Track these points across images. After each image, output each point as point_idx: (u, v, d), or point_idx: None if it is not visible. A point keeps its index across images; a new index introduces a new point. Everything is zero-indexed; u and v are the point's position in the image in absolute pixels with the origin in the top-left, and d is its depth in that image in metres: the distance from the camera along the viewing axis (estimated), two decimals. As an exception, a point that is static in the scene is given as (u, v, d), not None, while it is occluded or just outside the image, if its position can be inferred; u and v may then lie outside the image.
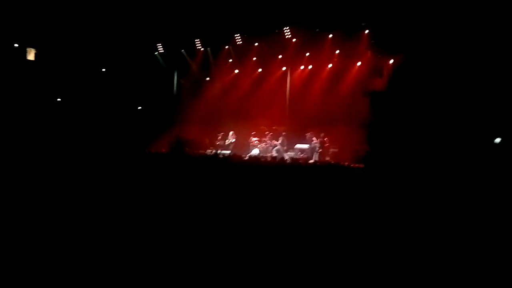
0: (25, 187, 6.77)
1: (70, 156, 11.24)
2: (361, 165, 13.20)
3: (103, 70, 20.38)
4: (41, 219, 5.22)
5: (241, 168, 9.24)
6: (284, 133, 18.27)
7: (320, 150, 16.94)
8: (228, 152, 17.51)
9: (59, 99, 19.15)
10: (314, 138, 17.30)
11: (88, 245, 4.31)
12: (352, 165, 12.82)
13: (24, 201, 5.94)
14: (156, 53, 20.90)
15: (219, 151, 17.36)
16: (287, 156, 16.88)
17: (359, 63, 17.94)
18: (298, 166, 10.44)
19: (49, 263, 3.86)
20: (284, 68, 20.20)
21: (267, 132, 18.61)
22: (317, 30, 17.73)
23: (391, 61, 16.29)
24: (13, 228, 4.80)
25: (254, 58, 20.33)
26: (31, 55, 18.47)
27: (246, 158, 13.72)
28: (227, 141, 18.93)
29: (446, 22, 13.63)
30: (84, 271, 3.70)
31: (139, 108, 20.91)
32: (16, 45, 17.95)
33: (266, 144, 18.24)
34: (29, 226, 4.93)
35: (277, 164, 10.66)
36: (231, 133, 18.98)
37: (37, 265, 3.81)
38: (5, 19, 16.63)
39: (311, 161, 14.37)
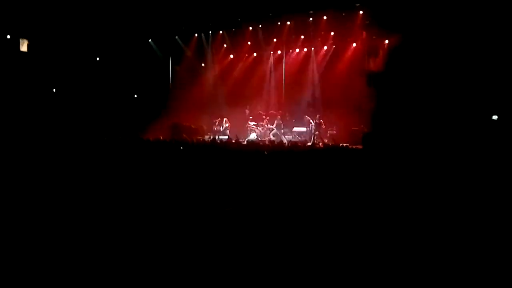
0: (22, 177, 6.78)
1: (67, 146, 11.19)
2: (360, 146, 13.31)
3: (97, 59, 20.15)
4: (39, 208, 5.21)
5: (240, 153, 9.21)
6: (280, 117, 18.24)
7: (317, 132, 16.94)
8: (226, 137, 17.47)
9: (54, 90, 18.97)
10: (311, 121, 17.32)
11: (86, 236, 4.28)
12: (350, 147, 12.81)
13: (21, 191, 5.92)
14: (150, 40, 20.71)
15: (217, 137, 17.42)
16: (285, 139, 16.87)
17: (354, 44, 17.84)
18: (297, 149, 10.39)
19: (43, 252, 3.82)
20: (279, 52, 20.07)
21: (264, 116, 18.55)
22: (311, 12, 17.58)
23: (387, 41, 16.21)
24: (9, 216, 4.80)
25: (249, 43, 20.19)
26: (24, 47, 18.22)
27: (244, 142, 13.67)
28: (221, 127, 18.91)
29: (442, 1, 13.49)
30: (80, 265, 3.65)
31: (135, 96, 20.73)
32: (8, 36, 17.69)
33: (263, 128, 18.21)
34: (25, 214, 4.92)
35: (275, 148, 10.60)
36: (225, 119, 18.97)
37: (30, 257, 3.76)
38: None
39: (309, 143, 14.33)
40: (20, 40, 18.09)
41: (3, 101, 16.37)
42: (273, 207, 5.33)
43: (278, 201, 5.62)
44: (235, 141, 13.28)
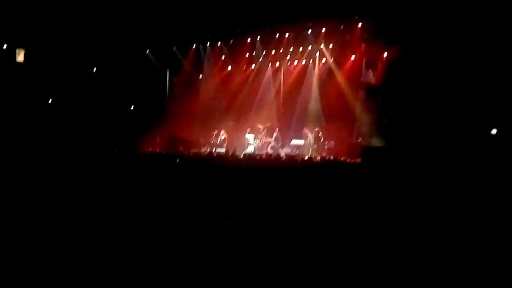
0: (14, 187, 6.68)
1: (62, 156, 11.07)
2: (357, 160, 13.15)
3: (94, 69, 20.07)
4: (28, 217, 5.14)
5: (237, 169, 9.07)
6: (278, 130, 18.13)
7: (315, 146, 16.82)
8: (223, 150, 17.33)
9: (50, 101, 18.83)
10: (309, 134, 17.19)
11: (75, 254, 4.13)
12: (349, 161, 12.69)
13: (11, 200, 5.84)
14: (147, 51, 20.63)
15: (213, 149, 17.28)
16: (282, 153, 16.74)
17: (353, 57, 17.74)
18: (293, 164, 10.21)
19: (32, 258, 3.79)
20: (277, 64, 20.02)
21: (261, 129, 18.43)
22: (310, 23, 17.55)
23: (386, 54, 16.09)
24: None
25: (247, 55, 20.11)
26: (20, 57, 18.09)
27: (241, 156, 13.52)
28: (218, 140, 18.76)
29: (441, 13, 13.41)
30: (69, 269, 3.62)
31: (132, 107, 20.61)
32: (5, 46, 17.59)
33: (261, 141, 18.10)
34: (14, 225, 4.84)
35: (273, 164, 10.43)
36: (222, 131, 18.83)
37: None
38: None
39: (306, 157, 14.16)
40: (17, 50, 17.96)
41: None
42: (270, 223, 5.25)
43: (275, 217, 5.55)
44: (231, 154, 13.10)
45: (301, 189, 7.18)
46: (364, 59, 16.95)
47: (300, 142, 17.72)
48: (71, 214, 5.36)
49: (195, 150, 17.24)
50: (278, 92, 19.85)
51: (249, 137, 18.49)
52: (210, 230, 4.84)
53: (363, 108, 16.46)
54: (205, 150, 17.74)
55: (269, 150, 17.21)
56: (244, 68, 20.69)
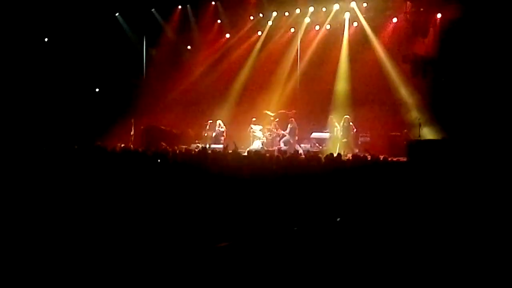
0: None
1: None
2: (403, 159, 13.13)
3: (46, 39, 20.08)
4: None
5: (239, 171, 8.99)
6: (294, 119, 18.04)
7: (345, 140, 16.80)
8: (220, 146, 17.24)
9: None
10: (336, 124, 17.13)
11: None
12: (390, 159, 12.61)
13: None
14: (117, 14, 20.59)
15: (207, 145, 17.18)
16: (300, 149, 16.65)
17: (394, 20, 17.66)
18: (317, 165, 10.08)
19: None
20: (292, 30, 19.90)
21: (272, 118, 18.36)
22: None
23: (439, 15, 16.11)
24: None
25: (251, 18, 20.05)
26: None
27: (245, 154, 13.43)
28: (215, 132, 18.72)
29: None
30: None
31: (96, 90, 20.61)
32: None
33: (271, 134, 18.05)
34: None
35: (287, 165, 10.31)
36: (218, 121, 18.80)
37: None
38: None
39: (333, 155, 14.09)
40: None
41: None
42: (281, 246, 5.27)
43: (288, 238, 5.60)
44: (232, 152, 12.97)
45: (325, 200, 7.15)
46: (410, 22, 16.84)
47: (324, 135, 17.66)
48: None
49: (183, 147, 17.15)
50: (293, 68, 19.73)
51: (256, 128, 18.42)
52: (203, 254, 4.84)
53: (409, 88, 16.42)
54: (196, 146, 17.62)
55: (282, 146, 17.13)
56: (247, 35, 20.54)
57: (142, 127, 18.78)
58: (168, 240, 5.37)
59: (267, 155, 12.47)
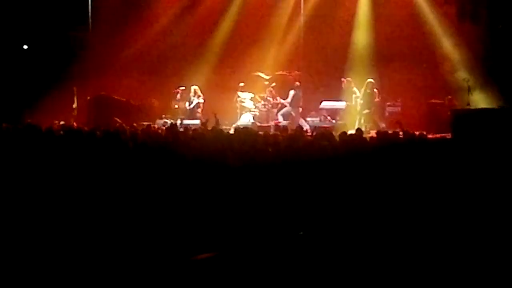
0: None
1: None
2: (447, 135, 13.20)
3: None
4: None
5: (223, 156, 8.99)
6: (297, 84, 18.17)
7: (367, 110, 16.92)
8: (196, 122, 17.33)
9: None
10: (354, 89, 17.22)
11: None
12: (430, 136, 12.68)
13: None
14: None
15: (179, 121, 17.16)
16: (306, 125, 16.83)
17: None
18: (329, 146, 10.08)
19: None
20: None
21: (267, 83, 18.40)
22: None
23: None
24: None
25: None
26: None
27: (231, 132, 13.45)
28: (189, 103, 18.77)
29: None
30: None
31: (24, 47, 20.54)
32: None
33: (265, 105, 18.14)
34: None
35: (288, 145, 10.31)
36: (194, 88, 18.83)
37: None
38: None
39: (351, 131, 14.17)
40: None
41: None
42: (279, 255, 5.41)
43: (288, 245, 5.74)
44: (212, 129, 12.97)
45: (339, 195, 7.23)
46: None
47: (339, 104, 17.77)
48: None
49: (145, 123, 17.10)
50: (294, 14, 19.74)
51: (245, 97, 18.50)
52: (180, 267, 4.99)
53: (454, 39, 16.51)
54: (164, 122, 17.63)
55: (281, 119, 17.33)
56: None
57: (88, 98, 18.86)
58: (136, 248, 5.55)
59: (261, 133, 12.45)
